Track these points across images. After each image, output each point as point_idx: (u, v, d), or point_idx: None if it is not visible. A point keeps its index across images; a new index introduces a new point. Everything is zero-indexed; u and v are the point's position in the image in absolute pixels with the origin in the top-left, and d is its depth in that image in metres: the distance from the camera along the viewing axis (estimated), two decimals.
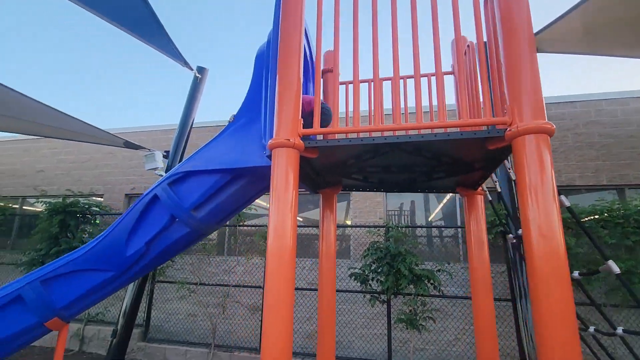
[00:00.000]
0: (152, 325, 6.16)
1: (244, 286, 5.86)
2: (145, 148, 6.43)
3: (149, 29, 5.44)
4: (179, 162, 6.53)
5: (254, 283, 6.16)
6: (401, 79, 2.29)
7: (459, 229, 6.15)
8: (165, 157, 6.41)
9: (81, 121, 5.41)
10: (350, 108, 2.51)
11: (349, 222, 6.77)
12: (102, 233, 2.11)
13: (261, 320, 5.58)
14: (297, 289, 5.91)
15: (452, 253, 6.19)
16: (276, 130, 1.70)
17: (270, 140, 1.70)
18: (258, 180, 2.22)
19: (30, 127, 5.80)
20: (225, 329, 6.06)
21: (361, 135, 2.09)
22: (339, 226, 6.74)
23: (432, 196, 6.89)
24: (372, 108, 2.55)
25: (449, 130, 1.71)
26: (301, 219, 7.34)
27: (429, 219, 6.89)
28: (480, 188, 2.32)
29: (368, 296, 5.37)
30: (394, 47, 1.70)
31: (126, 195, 7.95)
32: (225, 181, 2.13)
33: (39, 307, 1.86)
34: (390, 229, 5.29)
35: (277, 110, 1.73)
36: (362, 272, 5.26)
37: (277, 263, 1.54)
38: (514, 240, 2.39)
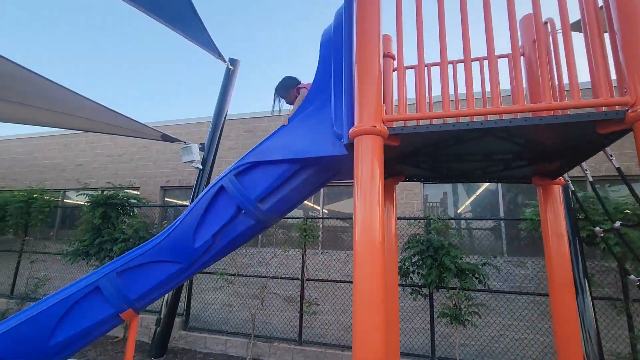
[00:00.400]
0: (191, 314, 6.29)
1: (283, 278, 5.86)
2: (181, 141, 6.47)
3: (185, 20, 5.43)
4: (215, 154, 6.57)
5: (289, 275, 6.16)
6: (499, 58, 2.12)
7: (502, 222, 5.91)
8: (200, 149, 6.44)
9: (119, 114, 5.49)
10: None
11: None
12: (171, 225, 2.09)
13: (300, 312, 5.60)
14: (332, 281, 5.87)
15: (493, 246, 5.96)
16: (358, 117, 1.59)
17: (352, 128, 1.60)
18: (325, 170, 2.14)
19: (70, 121, 5.94)
20: (262, 320, 6.11)
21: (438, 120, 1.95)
22: None
23: (460, 188, 6.67)
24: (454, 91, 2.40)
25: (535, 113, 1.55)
26: (326, 210, 7.26)
27: (458, 211, 6.68)
28: (561, 177, 2.15)
29: (408, 290, 5.26)
30: (486, 25, 1.56)
31: (161, 187, 8.11)
32: (293, 172, 2.05)
33: (116, 299, 1.86)
34: (432, 221, 5.13)
35: (357, 95, 1.63)
36: (402, 265, 5.15)
37: (366, 259, 1.45)
38: (602, 234, 2.22)
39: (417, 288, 5.09)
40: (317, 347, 5.30)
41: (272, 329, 6.03)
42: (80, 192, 8.35)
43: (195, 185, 6.27)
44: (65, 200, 9.14)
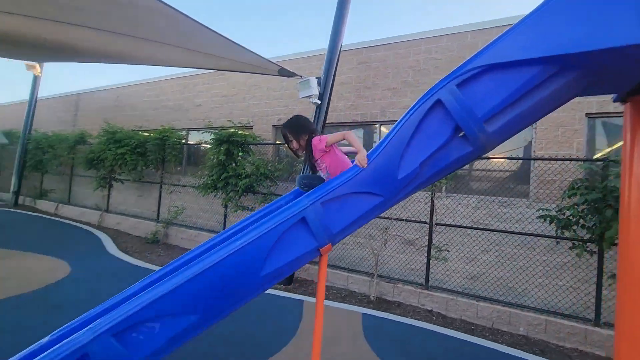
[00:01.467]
0: None
1: (409, 220, 5.52)
2: (298, 75, 6.19)
3: None
4: (331, 87, 6.17)
5: (411, 217, 5.77)
6: None
7: None
8: (318, 83, 6.08)
9: (244, 48, 5.33)
10: None
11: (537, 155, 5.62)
12: (373, 150, 1.75)
13: (427, 257, 5.29)
14: (460, 227, 5.32)
15: None
16: None
17: None
18: (587, 77, 1.49)
19: (201, 60, 6.07)
20: (380, 260, 5.99)
21: None
22: (515, 158, 5.67)
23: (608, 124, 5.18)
24: None
25: None
26: None
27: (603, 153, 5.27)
28: None
29: (567, 244, 4.46)
30: None
31: (273, 126, 8.19)
32: (543, 78, 1.46)
33: (320, 231, 1.66)
34: (613, 162, 4.06)
35: None
36: (560, 214, 4.32)
37: None
38: None
39: (577, 242, 4.27)
40: (447, 293, 5.00)
41: (389, 270, 5.89)
42: (204, 131, 8.99)
43: (313, 121, 6.04)
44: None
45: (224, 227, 7.53)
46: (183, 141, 9.29)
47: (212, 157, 7.33)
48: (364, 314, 4.62)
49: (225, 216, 7.55)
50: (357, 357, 3.39)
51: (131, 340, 1.44)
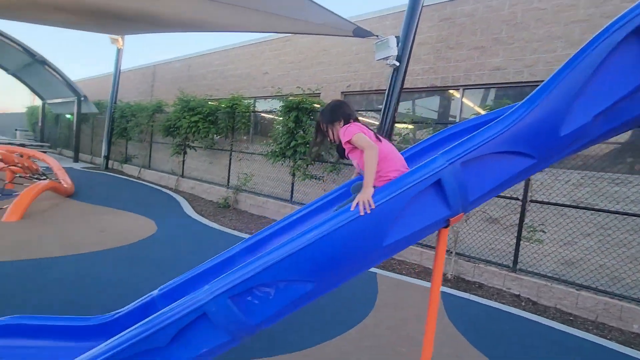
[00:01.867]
0: None
1: (497, 196, 4.98)
2: (374, 35, 5.73)
3: None
4: (410, 48, 5.62)
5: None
6: None
7: None
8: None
9: (319, 5, 5.01)
10: None
11: None
12: (526, 102, 1.39)
13: (517, 237, 4.77)
14: (556, 204, 4.66)
15: None
16: None
17: None
18: None
19: (274, 22, 5.87)
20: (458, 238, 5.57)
21: None
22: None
23: None
24: None
25: None
26: None
27: None
28: None
29: None
30: None
31: (342, 93, 7.86)
32: None
33: (456, 196, 1.40)
34: None
35: None
36: None
37: None
38: None
39: None
40: (538, 278, 4.48)
41: (467, 248, 5.45)
42: (271, 99, 8.97)
43: (390, 86, 5.61)
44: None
45: (292, 196, 7.59)
46: (251, 109, 9.39)
47: (280, 125, 7.28)
48: (443, 292, 4.33)
49: (292, 184, 7.58)
50: (444, 338, 3.16)
51: (247, 304, 1.36)
